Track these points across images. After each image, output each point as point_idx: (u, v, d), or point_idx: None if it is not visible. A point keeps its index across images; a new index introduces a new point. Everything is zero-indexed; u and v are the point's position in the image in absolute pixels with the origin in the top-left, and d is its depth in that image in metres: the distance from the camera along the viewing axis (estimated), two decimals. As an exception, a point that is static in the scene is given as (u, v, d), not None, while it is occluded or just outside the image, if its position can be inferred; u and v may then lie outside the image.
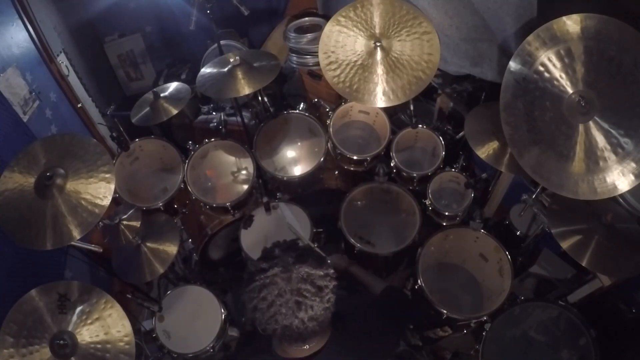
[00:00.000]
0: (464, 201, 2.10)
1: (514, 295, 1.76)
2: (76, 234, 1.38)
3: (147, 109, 2.09)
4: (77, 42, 2.97)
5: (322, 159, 2.18)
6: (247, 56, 2.03)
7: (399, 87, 1.85)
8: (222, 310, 1.92)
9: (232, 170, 2.32)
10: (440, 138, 2.18)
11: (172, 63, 3.44)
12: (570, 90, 1.41)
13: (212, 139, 2.22)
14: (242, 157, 2.28)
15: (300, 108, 2.35)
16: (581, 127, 1.40)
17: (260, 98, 2.35)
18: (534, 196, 1.80)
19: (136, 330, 1.83)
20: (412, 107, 2.15)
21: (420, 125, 2.20)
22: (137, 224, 1.80)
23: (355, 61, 1.90)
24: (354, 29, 1.90)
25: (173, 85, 2.19)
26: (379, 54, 1.86)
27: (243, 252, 2.02)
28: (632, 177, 1.35)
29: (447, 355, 2.10)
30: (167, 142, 2.21)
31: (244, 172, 2.29)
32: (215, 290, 2.00)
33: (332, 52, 1.93)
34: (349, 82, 1.90)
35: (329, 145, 2.24)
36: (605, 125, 1.37)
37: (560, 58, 1.40)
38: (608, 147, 1.37)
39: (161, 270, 1.84)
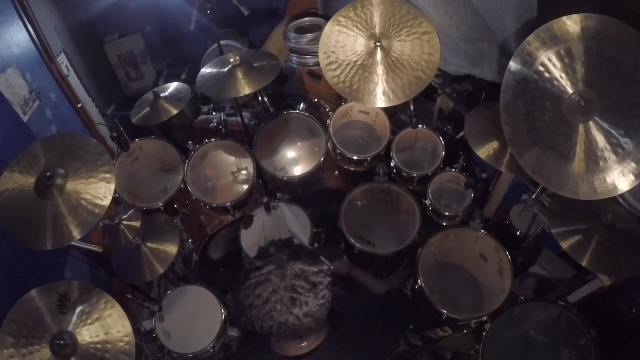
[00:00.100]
0: (464, 201, 2.10)
1: (514, 295, 1.76)
2: (76, 234, 1.38)
3: (147, 109, 2.09)
4: (77, 42, 2.97)
5: (322, 159, 2.18)
6: (247, 56, 2.03)
7: (399, 87, 1.85)
8: (222, 310, 1.92)
9: (232, 170, 2.32)
10: (440, 138, 2.18)
11: (172, 63, 3.44)
12: (570, 90, 1.41)
13: (212, 139, 2.22)
14: (242, 157, 2.28)
15: (300, 108, 2.35)
16: (581, 127, 1.40)
17: (260, 98, 2.35)
18: (534, 196, 1.80)
19: (136, 330, 1.82)
20: (412, 107, 2.15)
21: (420, 125, 2.20)
22: (137, 224, 1.80)
23: (355, 61, 1.90)
24: (354, 29, 1.90)
25: (173, 85, 2.19)
26: (379, 54, 1.86)
27: (243, 252, 2.02)
28: (632, 177, 1.35)
29: (447, 355, 2.10)
30: (167, 142, 2.21)
31: (244, 172, 2.29)
32: (215, 290, 1.99)
33: (332, 52, 1.93)
34: (349, 82, 1.90)
35: (329, 145, 2.24)
36: (605, 125, 1.37)
37: (560, 58, 1.40)
38: (608, 147, 1.37)
39: (161, 270, 1.84)
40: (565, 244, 1.57)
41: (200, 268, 2.49)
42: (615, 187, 1.38)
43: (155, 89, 2.11)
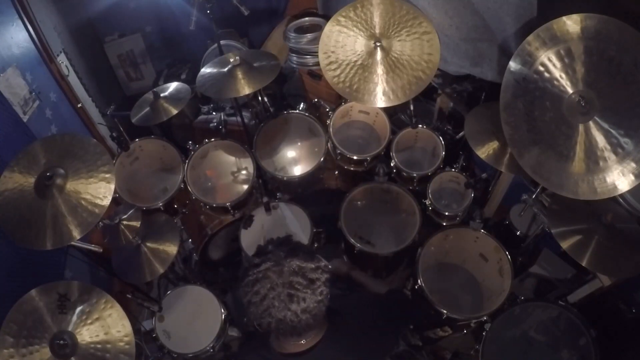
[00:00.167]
0: (464, 201, 2.10)
1: (514, 295, 1.76)
2: (76, 234, 1.38)
3: (147, 109, 2.09)
4: (77, 42, 2.97)
5: (322, 159, 2.18)
6: (247, 56, 2.03)
7: (399, 87, 1.85)
8: (222, 310, 1.92)
9: (232, 170, 2.32)
10: (440, 138, 2.18)
11: (172, 63, 3.44)
12: (570, 90, 1.41)
13: (212, 139, 2.22)
14: (242, 157, 2.28)
15: (300, 108, 2.35)
16: (581, 127, 1.40)
17: (260, 98, 2.35)
18: (534, 196, 1.80)
19: (136, 330, 1.82)
20: (412, 107, 2.15)
21: (420, 125, 2.20)
22: (137, 224, 1.80)
23: (355, 61, 1.90)
24: (354, 29, 1.90)
25: (173, 85, 2.19)
26: (379, 54, 1.86)
27: (243, 252, 2.02)
28: (632, 177, 1.35)
29: (447, 355, 2.10)
30: (167, 142, 2.21)
31: (244, 172, 2.29)
32: (215, 290, 2.00)
33: (332, 52, 1.93)
34: (349, 82, 1.90)
35: (329, 145, 2.24)
36: (605, 125, 1.37)
37: (560, 58, 1.40)
38: (608, 147, 1.37)
39: (161, 270, 1.84)
40: (565, 244, 1.57)
41: (200, 268, 2.49)
42: (615, 187, 1.38)
43: (155, 89, 2.11)
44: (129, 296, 1.82)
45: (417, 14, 1.85)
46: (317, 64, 2.05)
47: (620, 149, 1.36)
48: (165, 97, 2.11)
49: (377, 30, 1.88)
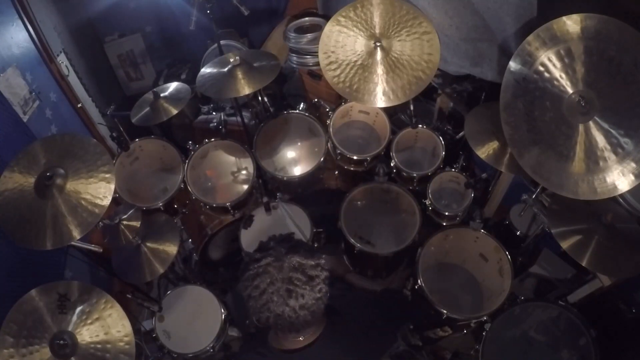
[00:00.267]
0: (464, 201, 2.10)
1: (514, 295, 1.76)
2: (76, 234, 1.38)
3: (147, 109, 2.09)
4: (77, 42, 2.97)
5: (322, 159, 2.18)
6: (247, 56, 2.03)
7: (399, 87, 1.85)
8: (222, 310, 1.92)
9: (232, 170, 2.32)
10: (440, 138, 2.18)
11: (172, 63, 3.43)
12: (570, 90, 1.41)
13: (212, 139, 2.22)
14: (242, 157, 2.28)
15: (300, 108, 2.35)
16: (581, 127, 1.40)
17: (260, 98, 2.35)
18: (534, 196, 1.80)
19: (136, 330, 1.83)
20: (412, 107, 2.15)
21: (420, 125, 2.20)
22: (137, 224, 1.80)
23: (355, 61, 1.90)
24: (354, 29, 1.90)
25: (173, 85, 2.19)
26: (379, 54, 1.86)
27: (243, 252, 2.02)
28: (632, 177, 1.35)
29: (447, 355, 2.10)
30: (167, 142, 2.21)
31: (244, 172, 2.29)
32: (215, 290, 2.00)
33: (332, 52, 1.93)
34: (349, 82, 1.90)
35: (329, 145, 2.24)
36: (605, 125, 1.37)
37: (560, 58, 1.40)
38: (608, 147, 1.37)
39: (161, 270, 1.84)
40: (565, 244, 1.57)
41: (200, 268, 2.49)
42: (615, 187, 1.38)
43: (155, 89, 2.11)
44: (129, 296, 1.82)
45: (417, 14, 1.85)
46: (317, 64, 2.05)
47: (620, 149, 1.36)
48: (165, 97, 2.11)
49: (377, 30, 1.88)
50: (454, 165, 2.15)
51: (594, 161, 1.39)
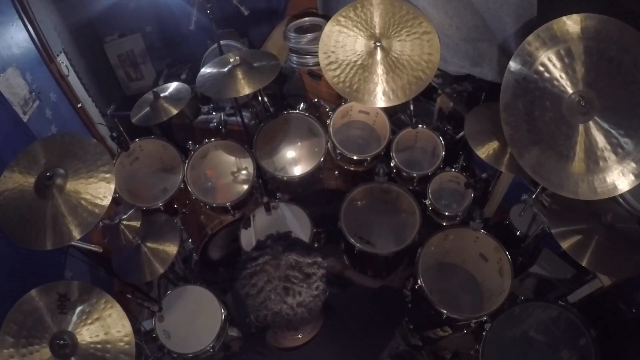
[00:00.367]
0: (464, 201, 2.10)
1: (514, 295, 1.76)
2: (76, 234, 1.38)
3: (147, 109, 2.09)
4: (77, 42, 2.97)
5: (322, 159, 2.18)
6: (247, 56, 2.03)
7: (399, 87, 1.85)
8: (222, 310, 1.92)
9: (232, 170, 2.32)
10: (440, 138, 2.18)
11: (172, 63, 3.44)
12: (570, 90, 1.41)
13: (212, 139, 2.22)
14: (242, 157, 2.28)
15: (300, 108, 2.35)
16: (581, 127, 1.40)
17: (260, 98, 2.35)
18: (534, 196, 1.80)
19: (136, 330, 1.83)
20: (412, 107, 2.15)
21: (420, 125, 2.20)
22: (137, 224, 1.80)
23: (355, 61, 1.90)
24: (354, 29, 1.90)
25: (173, 85, 2.19)
26: (379, 54, 1.86)
27: (243, 252, 2.02)
28: (632, 177, 1.35)
29: (447, 355, 2.10)
30: (167, 142, 2.21)
31: (244, 172, 2.29)
32: (215, 290, 2.00)
33: (332, 52, 1.93)
34: (349, 82, 1.90)
35: (329, 145, 2.24)
36: (605, 125, 1.37)
37: (560, 58, 1.40)
38: (608, 147, 1.37)
39: (161, 270, 1.84)
40: (565, 244, 1.57)
41: (200, 268, 2.49)
42: (615, 187, 1.38)
43: (155, 89, 2.11)
44: (129, 296, 1.83)
45: (417, 14, 1.85)
46: (317, 64, 2.05)
47: (620, 149, 1.36)
48: (165, 97, 2.11)
49: (377, 30, 1.88)
50: (454, 165, 2.15)
51: (594, 161, 1.39)
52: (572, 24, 1.37)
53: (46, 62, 2.43)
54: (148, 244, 1.89)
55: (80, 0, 2.95)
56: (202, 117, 3.03)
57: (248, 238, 2.06)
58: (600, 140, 1.38)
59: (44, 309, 1.39)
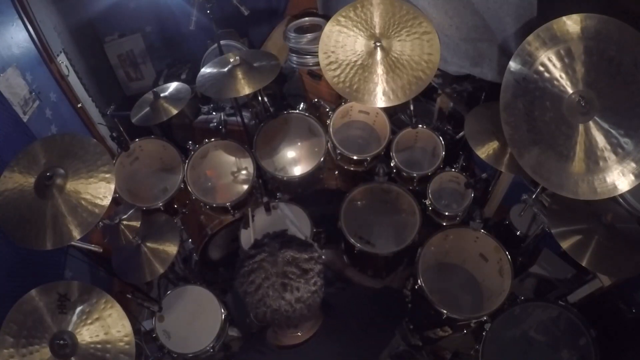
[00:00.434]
0: (464, 201, 2.10)
1: (514, 295, 1.76)
2: (76, 234, 1.38)
3: (147, 109, 2.09)
4: (77, 42, 2.97)
5: (322, 159, 2.18)
6: (247, 56, 2.03)
7: (399, 87, 1.85)
8: (222, 310, 1.92)
9: (232, 170, 2.32)
10: (440, 138, 2.18)
11: (172, 63, 3.44)
12: (570, 90, 1.41)
13: (212, 139, 2.22)
14: (242, 157, 2.28)
15: (300, 108, 2.35)
16: (581, 127, 1.40)
17: (260, 98, 2.35)
18: (534, 196, 1.80)
19: (136, 330, 1.83)
20: (412, 107, 2.15)
21: (420, 125, 2.20)
22: (137, 224, 1.80)
23: (355, 61, 1.90)
24: (354, 29, 1.90)
25: (173, 85, 2.19)
26: (379, 54, 1.86)
27: (241, 251, 2.02)
28: (632, 177, 1.35)
29: (447, 355, 2.10)
30: (167, 142, 2.21)
31: (244, 172, 2.29)
32: (215, 290, 1.99)
33: (332, 52, 1.93)
34: (349, 82, 1.90)
35: (329, 145, 2.24)
36: (605, 125, 1.37)
37: (560, 58, 1.40)
38: (608, 147, 1.37)
39: (161, 270, 1.84)
40: (565, 244, 1.57)
41: (200, 268, 2.49)
42: (615, 187, 1.38)
43: (155, 89, 2.11)
44: (129, 296, 1.82)
45: (417, 14, 1.85)
46: (317, 64, 2.05)
47: (620, 149, 1.36)
48: (165, 97, 2.11)
49: (377, 30, 1.88)
50: (454, 165, 2.15)
51: (594, 161, 1.39)
52: (572, 24, 1.37)
53: (46, 62, 2.43)
54: (148, 244, 1.89)
55: (80, 0, 2.95)
56: (202, 117, 3.03)
57: (248, 238, 2.06)
58: (600, 140, 1.38)
59: (44, 309, 1.39)
